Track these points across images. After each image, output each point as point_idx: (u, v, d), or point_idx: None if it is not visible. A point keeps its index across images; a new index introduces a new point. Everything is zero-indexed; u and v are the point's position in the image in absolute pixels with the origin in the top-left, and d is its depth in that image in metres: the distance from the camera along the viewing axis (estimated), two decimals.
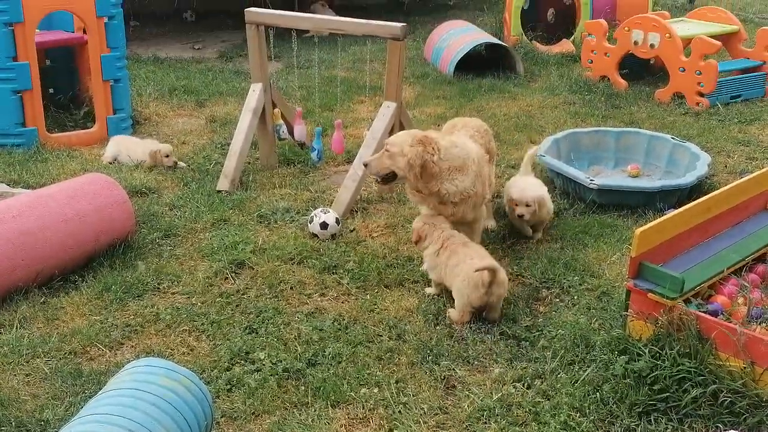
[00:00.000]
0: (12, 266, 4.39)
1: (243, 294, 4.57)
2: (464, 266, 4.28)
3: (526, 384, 3.74)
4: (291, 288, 4.63)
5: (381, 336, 4.15)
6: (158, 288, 4.63)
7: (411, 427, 3.45)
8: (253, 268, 4.84)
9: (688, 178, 5.68)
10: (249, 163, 6.53)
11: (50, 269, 4.57)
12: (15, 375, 3.80)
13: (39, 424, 3.42)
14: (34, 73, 6.72)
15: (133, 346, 4.08)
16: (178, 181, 6.24)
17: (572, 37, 10.79)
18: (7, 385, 3.72)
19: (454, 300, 4.31)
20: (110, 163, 6.57)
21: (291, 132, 6.63)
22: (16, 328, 4.18)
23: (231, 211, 5.65)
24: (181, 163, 6.63)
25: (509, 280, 4.63)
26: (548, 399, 3.61)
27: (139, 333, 4.19)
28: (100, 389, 3.18)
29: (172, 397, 3.03)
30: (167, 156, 6.54)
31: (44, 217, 4.60)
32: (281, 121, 6.53)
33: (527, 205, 5.05)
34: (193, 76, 9.47)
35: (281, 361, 3.89)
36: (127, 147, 6.65)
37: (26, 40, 6.63)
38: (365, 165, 4.81)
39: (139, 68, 9.56)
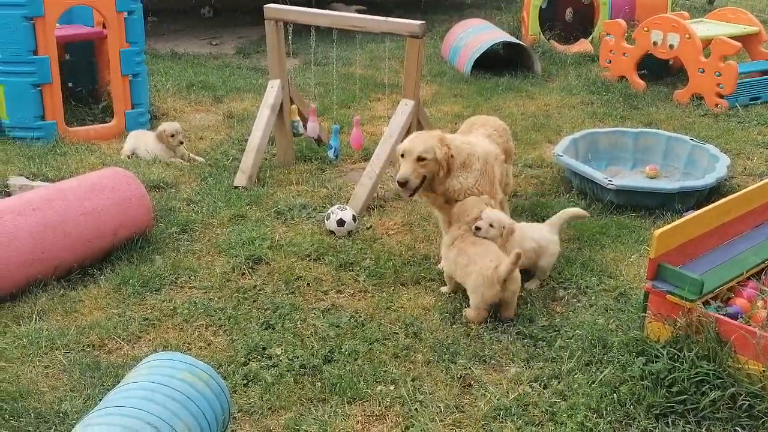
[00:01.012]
0: (31, 259, 4.42)
1: (260, 289, 4.59)
2: (476, 266, 4.27)
3: (542, 384, 3.73)
4: (308, 284, 4.64)
5: (397, 334, 4.15)
6: (175, 282, 4.66)
7: (427, 425, 3.45)
8: (270, 264, 4.85)
9: (707, 180, 5.64)
10: (266, 159, 6.55)
11: (69, 262, 4.61)
12: (34, 367, 3.83)
13: (57, 415, 3.44)
14: (54, 67, 6.77)
15: (150, 340, 4.10)
16: (196, 176, 6.26)
17: (590, 37, 10.75)
18: (26, 376, 3.75)
19: (469, 299, 4.30)
20: (128, 157, 6.61)
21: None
22: (35, 320, 4.21)
23: (248, 206, 5.67)
24: (199, 158, 6.66)
25: (526, 279, 4.63)
26: (565, 399, 3.60)
27: (157, 327, 4.21)
28: (118, 382, 3.20)
29: (190, 392, 3.05)
30: (172, 135, 6.55)
31: (63, 211, 4.63)
32: (298, 118, 6.55)
33: (491, 225, 4.41)
34: (211, 72, 9.51)
35: (298, 357, 3.90)
36: (145, 141, 6.68)
37: (46, 34, 6.68)
38: (403, 184, 4.44)
39: (157, 63, 9.61)
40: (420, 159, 4.44)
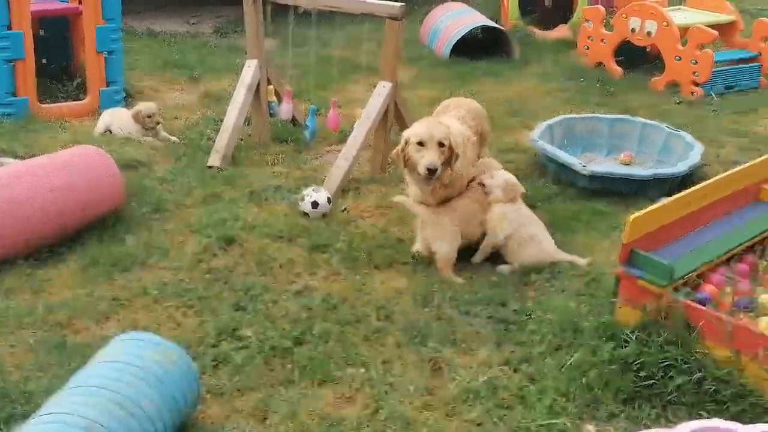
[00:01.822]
0: None
1: (231, 270, 4.55)
2: None
3: (512, 367, 3.73)
4: (280, 266, 4.61)
5: (369, 316, 4.13)
6: (146, 262, 4.60)
7: (397, 406, 3.43)
8: (243, 245, 4.81)
9: (681, 167, 5.67)
10: (242, 139, 6.49)
11: (37, 239, 4.54)
12: (0, 345, 3.77)
13: (23, 394, 3.39)
14: (28, 43, 6.65)
15: (119, 320, 4.05)
16: (170, 156, 6.20)
17: (569, 23, 10.74)
18: None
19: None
20: (102, 135, 6.51)
21: None
22: (2, 298, 4.15)
23: (222, 187, 5.62)
24: (173, 138, 6.59)
25: (499, 263, 4.66)
26: (534, 383, 3.61)
27: (126, 307, 4.16)
28: (86, 362, 3.16)
29: (158, 372, 3.02)
30: (149, 116, 6.47)
31: (32, 187, 4.56)
32: (274, 99, 6.49)
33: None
34: (188, 51, 9.42)
35: (268, 339, 3.87)
36: (119, 119, 6.59)
37: (21, 9, 6.55)
38: (434, 170, 4.38)
39: (133, 41, 9.47)
40: (441, 145, 4.43)
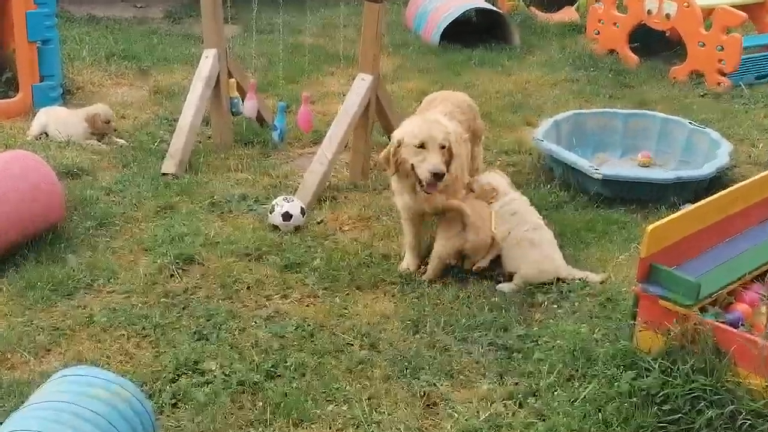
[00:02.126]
0: None
1: (191, 294, 4.57)
2: None
3: (518, 402, 3.77)
4: (247, 288, 4.64)
5: (352, 345, 4.17)
6: (92, 285, 4.62)
7: None
8: (204, 265, 4.84)
9: (707, 169, 5.74)
10: (200, 141, 6.52)
11: None
12: None
13: None
14: None
15: (61, 353, 4.06)
16: (117, 162, 6.22)
17: (576, 4, 10.86)
18: None
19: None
20: (37, 139, 6.52)
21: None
22: None
23: (178, 197, 5.64)
24: (120, 141, 6.61)
25: (501, 281, 4.70)
26: (543, 420, 3.64)
27: (69, 338, 4.17)
28: (23, 402, 3.17)
29: (107, 412, 3.02)
30: (108, 122, 6.53)
31: None
32: (237, 94, 6.52)
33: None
34: (135, 40, 9.43)
35: (235, 373, 3.89)
36: (57, 120, 6.60)
37: None
38: (441, 175, 4.46)
39: (71, 29, 9.49)
40: (441, 147, 4.51)
